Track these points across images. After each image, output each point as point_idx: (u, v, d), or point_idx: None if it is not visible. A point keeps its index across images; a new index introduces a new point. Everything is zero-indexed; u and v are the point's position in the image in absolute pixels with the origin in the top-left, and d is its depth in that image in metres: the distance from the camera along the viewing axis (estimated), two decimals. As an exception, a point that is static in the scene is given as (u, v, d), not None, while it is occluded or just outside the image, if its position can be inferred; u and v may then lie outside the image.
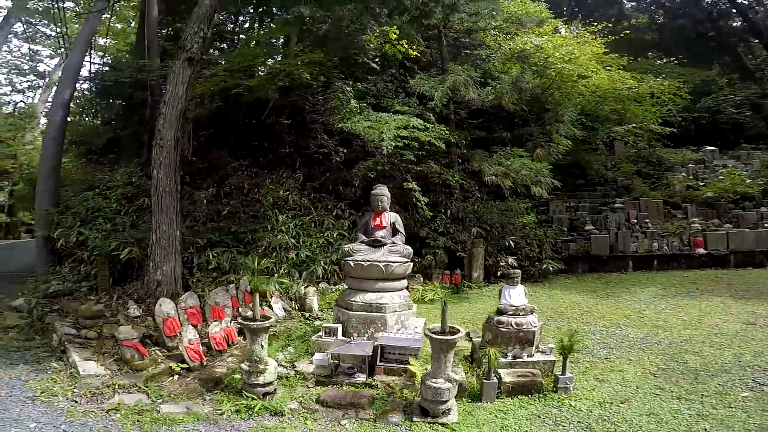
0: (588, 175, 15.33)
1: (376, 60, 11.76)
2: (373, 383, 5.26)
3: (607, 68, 13.72)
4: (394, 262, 6.11)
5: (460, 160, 12.59)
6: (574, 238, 12.10)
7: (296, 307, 8.72)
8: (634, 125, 13.77)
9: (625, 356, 5.97)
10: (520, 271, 6.08)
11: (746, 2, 24.33)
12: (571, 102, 13.46)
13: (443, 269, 11.15)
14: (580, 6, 29.20)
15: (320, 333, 6.04)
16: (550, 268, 10.89)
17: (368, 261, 6.07)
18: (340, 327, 5.96)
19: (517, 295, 5.78)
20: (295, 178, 11.21)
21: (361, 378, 5.30)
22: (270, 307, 8.25)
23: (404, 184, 10.58)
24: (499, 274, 11.02)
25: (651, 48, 27.91)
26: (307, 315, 8.37)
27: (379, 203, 6.69)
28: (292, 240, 9.54)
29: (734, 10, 24.49)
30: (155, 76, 9.83)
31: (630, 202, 13.33)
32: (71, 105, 15.07)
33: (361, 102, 11.17)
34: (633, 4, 30.06)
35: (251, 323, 4.70)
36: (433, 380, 4.51)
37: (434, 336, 4.42)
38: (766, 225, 11.46)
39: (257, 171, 10.93)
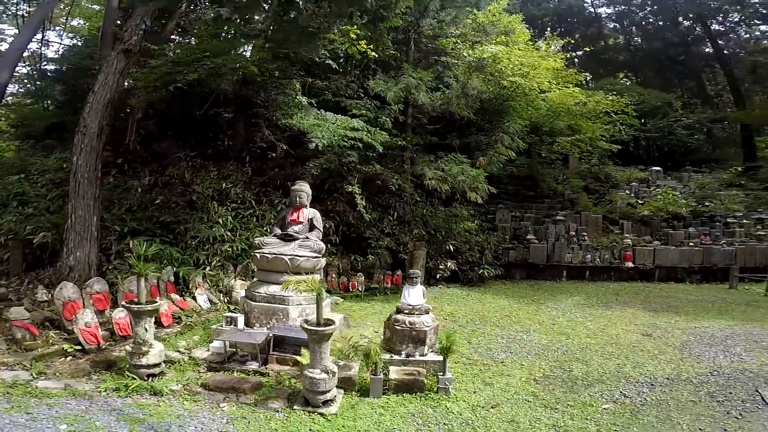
0: (539, 188, 15.78)
1: (340, 60, 11.83)
2: (265, 371, 5.39)
3: (566, 84, 14.08)
4: (301, 257, 6.25)
5: (409, 164, 12.83)
6: (514, 246, 12.46)
7: (225, 300, 8.79)
8: (577, 137, 14.20)
9: (520, 361, 6.10)
10: (419, 272, 6.27)
11: (721, 29, 25.12)
12: (528, 114, 13.78)
13: (386, 269, 11.35)
14: (561, 23, 29.74)
15: (221, 322, 6.15)
16: (487, 274, 11.26)
17: (274, 254, 6.21)
18: (241, 317, 6.08)
19: (416, 294, 5.95)
20: (244, 171, 11.26)
21: (253, 366, 5.43)
22: (194, 298, 8.29)
23: (347, 186, 10.73)
24: (438, 276, 11.32)
25: (623, 68, 28.88)
26: (233, 308, 8.42)
27: (298, 198, 6.83)
28: (228, 233, 9.59)
29: (707, 38, 25.37)
30: (98, 65, 9.75)
31: (572, 216, 13.78)
32: (25, 87, 14.81)
33: (316, 99, 11.23)
34: (615, 25, 30.63)
35: (132, 306, 4.79)
36: (310, 370, 4.64)
37: (308, 327, 4.57)
38: (690, 244, 12.06)
39: (202, 162, 10.93)
